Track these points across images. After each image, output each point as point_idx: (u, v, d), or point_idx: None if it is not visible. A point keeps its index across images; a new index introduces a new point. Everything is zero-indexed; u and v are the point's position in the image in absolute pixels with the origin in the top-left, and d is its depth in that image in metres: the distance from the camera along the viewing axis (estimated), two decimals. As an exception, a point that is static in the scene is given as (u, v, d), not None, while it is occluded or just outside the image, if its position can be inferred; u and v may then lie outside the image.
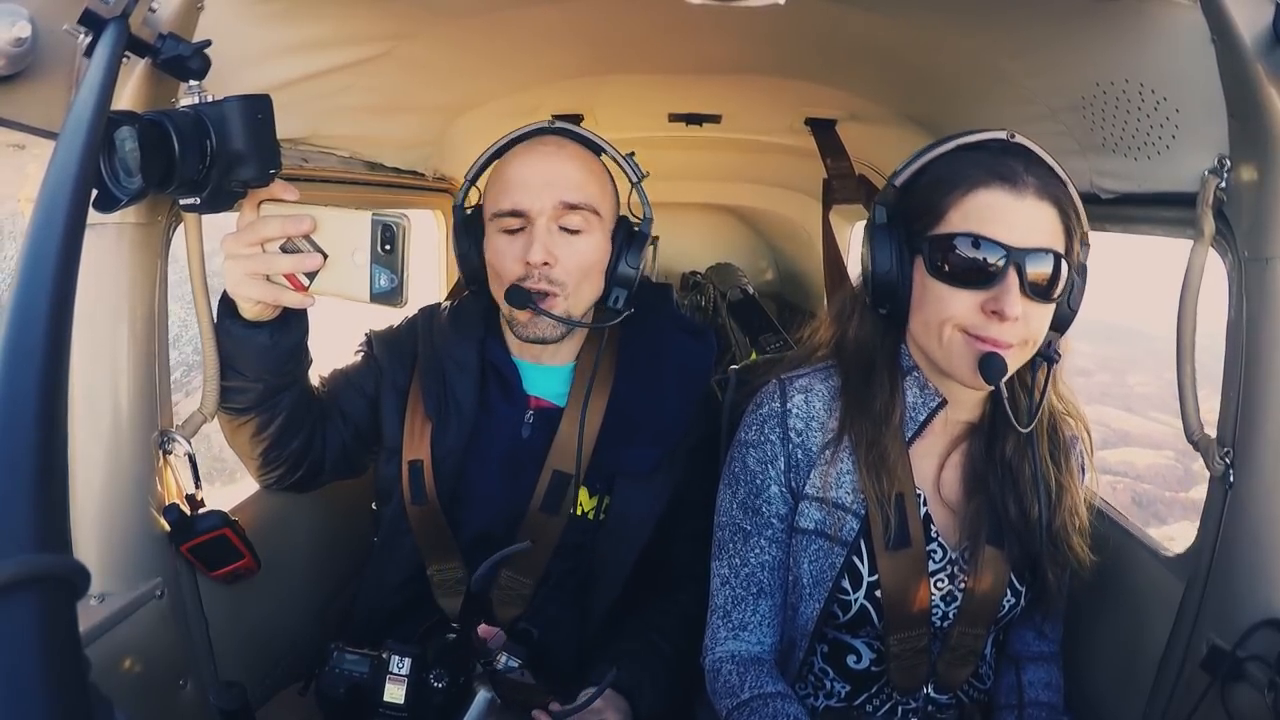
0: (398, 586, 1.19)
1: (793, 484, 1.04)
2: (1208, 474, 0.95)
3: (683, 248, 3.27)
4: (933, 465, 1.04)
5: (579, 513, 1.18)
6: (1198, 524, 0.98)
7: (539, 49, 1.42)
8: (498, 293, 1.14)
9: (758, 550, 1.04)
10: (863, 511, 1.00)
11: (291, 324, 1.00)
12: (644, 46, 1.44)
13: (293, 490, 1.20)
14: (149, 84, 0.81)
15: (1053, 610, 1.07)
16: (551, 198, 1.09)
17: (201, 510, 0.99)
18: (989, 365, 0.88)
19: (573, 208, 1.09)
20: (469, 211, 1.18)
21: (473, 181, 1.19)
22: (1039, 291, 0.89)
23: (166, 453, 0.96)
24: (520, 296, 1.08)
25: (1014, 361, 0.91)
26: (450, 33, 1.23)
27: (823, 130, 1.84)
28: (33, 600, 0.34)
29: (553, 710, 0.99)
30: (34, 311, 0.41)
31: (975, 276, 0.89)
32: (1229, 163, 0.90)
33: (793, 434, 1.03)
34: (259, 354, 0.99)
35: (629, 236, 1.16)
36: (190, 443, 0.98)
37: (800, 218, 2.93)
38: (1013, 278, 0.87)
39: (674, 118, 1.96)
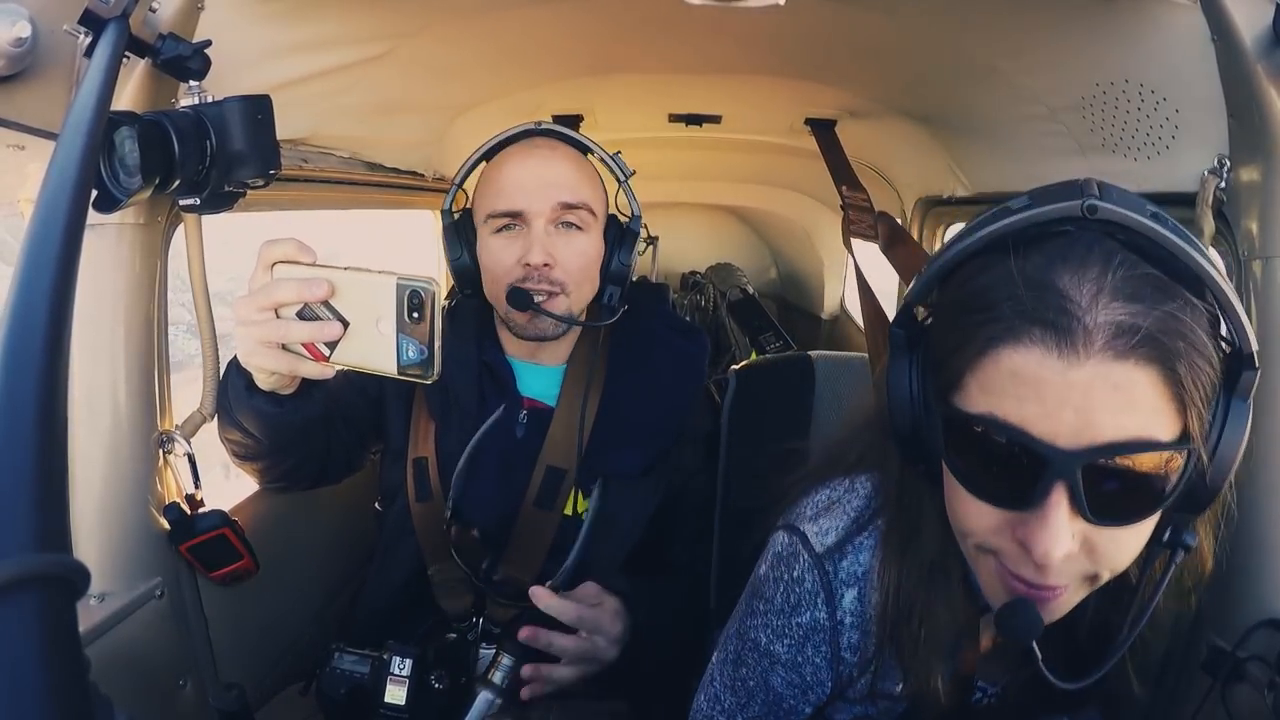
0: (400, 586, 1.19)
1: (828, 692, 0.76)
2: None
3: (683, 248, 3.27)
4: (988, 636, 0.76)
5: (569, 512, 1.18)
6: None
7: (539, 49, 1.42)
8: (494, 294, 1.14)
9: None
10: (912, 691, 0.73)
11: (313, 395, 0.93)
12: (644, 47, 1.44)
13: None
14: (149, 84, 0.81)
15: None
16: (549, 199, 1.09)
17: (201, 510, 0.99)
18: (1010, 619, 0.58)
19: (571, 207, 1.11)
20: (457, 215, 1.19)
21: (459, 185, 1.19)
22: (1112, 513, 0.54)
23: (166, 453, 0.96)
24: (522, 298, 1.09)
25: (1068, 604, 0.61)
26: (450, 33, 1.23)
27: (823, 130, 1.84)
28: (32, 600, 0.34)
29: (549, 586, 1.05)
30: (34, 312, 0.41)
31: (998, 488, 0.57)
32: (1229, 163, 0.89)
33: (846, 652, 0.72)
34: (275, 427, 0.94)
35: (620, 234, 1.18)
36: (190, 443, 0.98)
37: (800, 218, 2.93)
38: (1059, 497, 0.53)
39: (674, 118, 1.96)
